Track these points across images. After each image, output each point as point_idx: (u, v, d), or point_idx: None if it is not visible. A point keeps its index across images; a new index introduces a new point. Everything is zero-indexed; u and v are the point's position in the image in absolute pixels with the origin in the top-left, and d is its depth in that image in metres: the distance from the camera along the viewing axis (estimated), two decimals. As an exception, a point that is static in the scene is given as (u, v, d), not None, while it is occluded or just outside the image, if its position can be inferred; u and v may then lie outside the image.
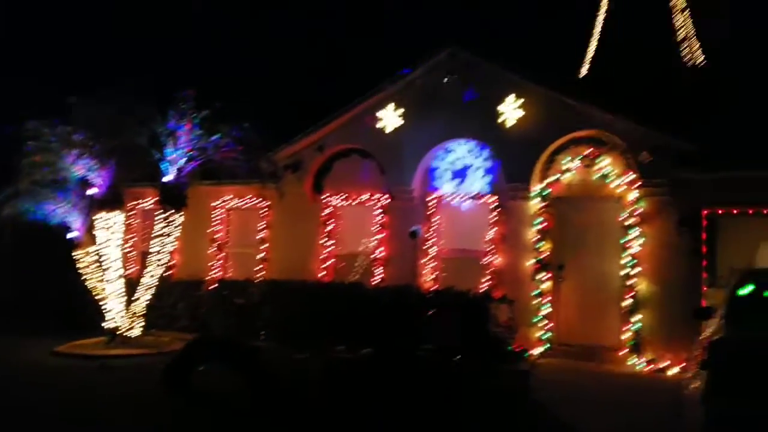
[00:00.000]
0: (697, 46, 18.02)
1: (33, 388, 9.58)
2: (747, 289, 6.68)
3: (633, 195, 12.02)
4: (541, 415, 8.52)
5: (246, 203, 15.39)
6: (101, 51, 21.35)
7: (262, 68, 19.60)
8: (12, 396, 9.06)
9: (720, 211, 11.56)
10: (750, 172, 11.22)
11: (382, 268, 13.89)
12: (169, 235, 12.70)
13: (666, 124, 12.07)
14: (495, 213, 13.10)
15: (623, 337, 11.77)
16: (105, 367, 10.71)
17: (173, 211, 12.63)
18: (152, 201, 15.47)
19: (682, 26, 17.86)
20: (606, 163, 12.32)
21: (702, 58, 18.12)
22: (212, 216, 15.64)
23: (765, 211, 11.40)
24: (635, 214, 11.96)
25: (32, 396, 9.10)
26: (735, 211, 11.52)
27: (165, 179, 12.41)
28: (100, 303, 13.11)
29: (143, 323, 13.16)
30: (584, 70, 19.37)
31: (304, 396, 8.63)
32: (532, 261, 12.66)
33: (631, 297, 11.77)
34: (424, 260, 13.50)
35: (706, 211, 11.63)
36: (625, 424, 8.23)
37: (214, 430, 7.75)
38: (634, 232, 11.90)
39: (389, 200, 13.98)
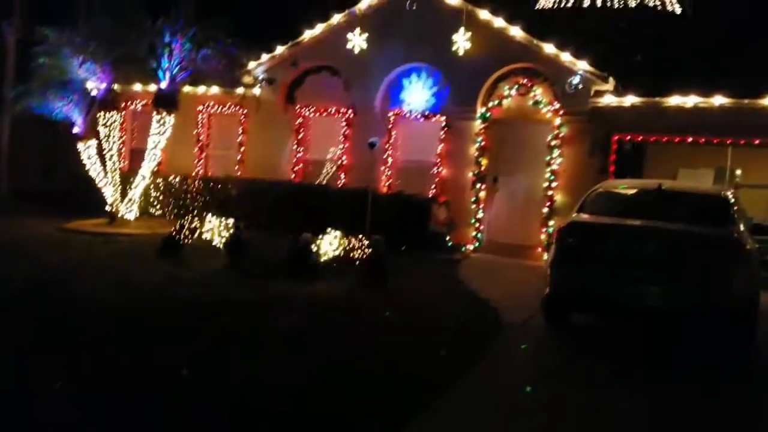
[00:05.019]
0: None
1: (46, 249, 11.55)
2: (596, 193, 8.97)
3: (557, 121, 14.20)
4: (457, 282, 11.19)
5: (226, 110, 17.30)
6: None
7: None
8: (27, 255, 10.99)
9: (627, 138, 13.87)
10: (655, 101, 13.44)
11: (344, 174, 16.08)
12: (161, 134, 14.67)
13: (589, 58, 14.09)
14: (443, 131, 15.23)
15: (541, 237, 14.21)
16: (108, 241, 12.86)
17: (165, 113, 14.54)
18: (143, 103, 17.39)
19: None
20: (538, 92, 14.43)
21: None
22: (196, 120, 17.53)
23: (677, 140, 13.59)
24: (558, 137, 14.19)
25: (46, 255, 11.06)
26: (639, 138, 13.78)
27: (161, 85, 14.28)
28: (101, 190, 15.17)
29: (137, 209, 15.33)
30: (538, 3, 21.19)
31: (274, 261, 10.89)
32: (472, 173, 14.91)
33: (549, 206, 14.14)
34: (382, 168, 15.64)
35: (616, 137, 13.92)
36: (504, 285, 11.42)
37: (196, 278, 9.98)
38: (556, 152, 14.16)
39: (353, 114, 16.01)
